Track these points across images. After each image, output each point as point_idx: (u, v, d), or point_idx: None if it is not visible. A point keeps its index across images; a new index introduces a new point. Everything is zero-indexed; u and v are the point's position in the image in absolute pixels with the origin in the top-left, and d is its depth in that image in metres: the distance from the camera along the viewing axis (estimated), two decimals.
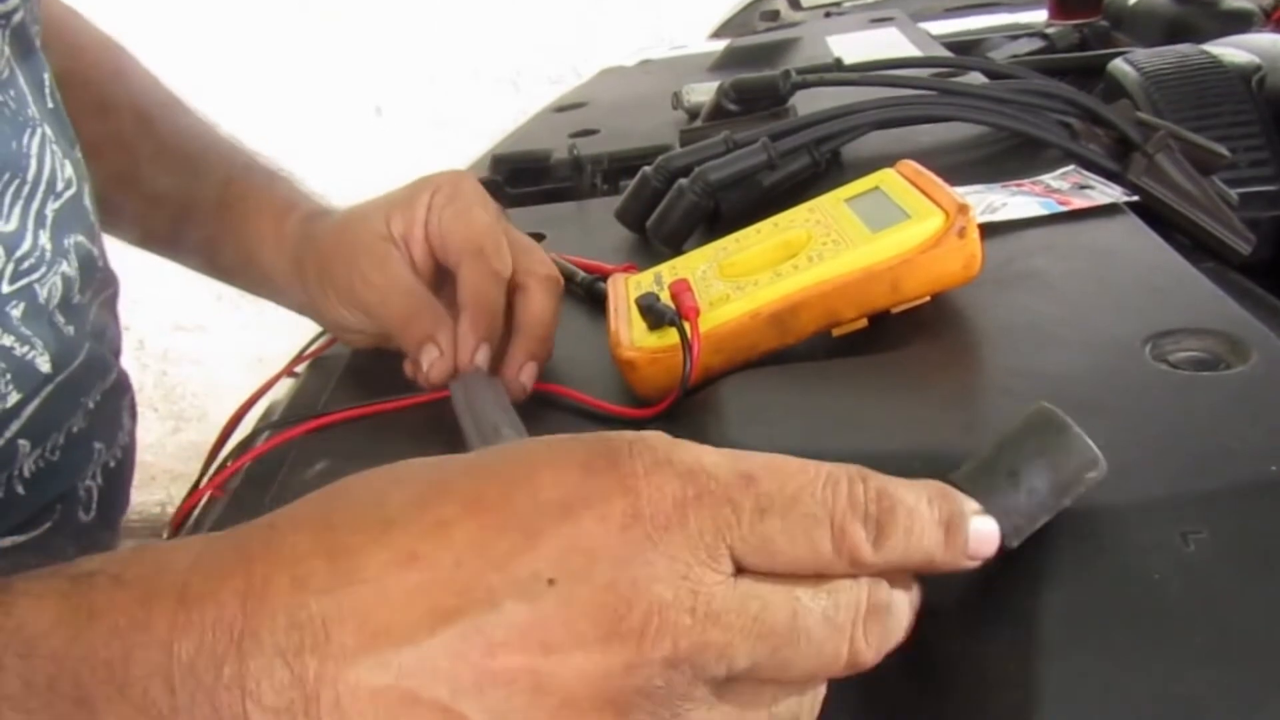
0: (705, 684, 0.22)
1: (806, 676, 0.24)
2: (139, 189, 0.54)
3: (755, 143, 0.54)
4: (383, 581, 0.22)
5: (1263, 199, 0.63)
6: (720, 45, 1.05)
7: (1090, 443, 0.26)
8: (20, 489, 0.42)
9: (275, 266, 0.51)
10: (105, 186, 0.50)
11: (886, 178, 0.43)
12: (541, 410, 0.42)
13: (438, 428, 0.42)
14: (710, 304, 0.40)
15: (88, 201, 0.46)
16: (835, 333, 0.40)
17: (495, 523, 0.23)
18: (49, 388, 0.43)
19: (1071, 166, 0.51)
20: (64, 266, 0.43)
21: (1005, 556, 0.27)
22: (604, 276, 0.49)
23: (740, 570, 0.23)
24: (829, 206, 0.43)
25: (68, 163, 0.45)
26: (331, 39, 2.00)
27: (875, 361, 0.38)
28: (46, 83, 0.45)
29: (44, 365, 0.42)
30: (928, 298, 0.40)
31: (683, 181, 0.54)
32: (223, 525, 0.39)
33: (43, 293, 0.42)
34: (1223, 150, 0.57)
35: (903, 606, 0.25)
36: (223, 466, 0.44)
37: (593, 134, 0.80)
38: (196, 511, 0.44)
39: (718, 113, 0.66)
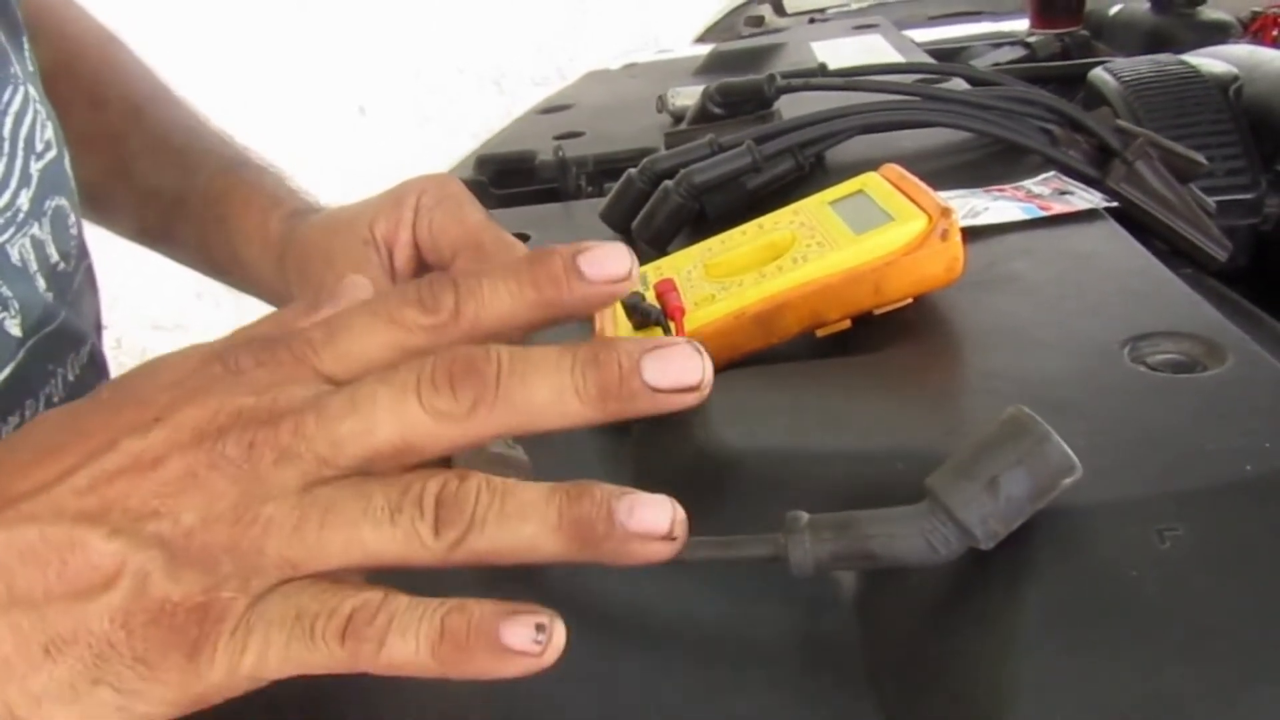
0: (294, 468, 0.24)
1: (396, 441, 0.25)
2: (131, 183, 0.54)
3: (740, 145, 0.54)
4: (21, 467, 0.25)
5: (1239, 207, 0.64)
6: (705, 50, 1.06)
7: (1069, 451, 0.27)
8: None
9: (259, 262, 0.51)
10: (98, 180, 0.50)
11: (870, 181, 0.44)
12: None
13: None
14: (695, 304, 0.40)
15: (68, 166, 0.46)
16: (819, 333, 0.41)
17: (119, 404, 0.26)
18: (21, 353, 0.42)
19: (1052, 172, 0.52)
20: (35, 229, 0.43)
21: (982, 555, 0.27)
22: None
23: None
24: (813, 209, 0.44)
25: (50, 124, 0.45)
26: (316, 38, 2.00)
27: (858, 362, 0.38)
28: (25, 45, 0.45)
29: (14, 329, 0.42)
30: (910, 300, 0.40)
31: (668, 183, 0.54)
32: None
33: (14, 254, 0.41)
34: (1201, 158, 0.57)
35: (515, 351, 0.25)
36: None
37: (578, 136, 0.80)
38: None
39: (703, 116, 0.66)
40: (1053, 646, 0.25)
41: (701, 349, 0.26)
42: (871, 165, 0.45)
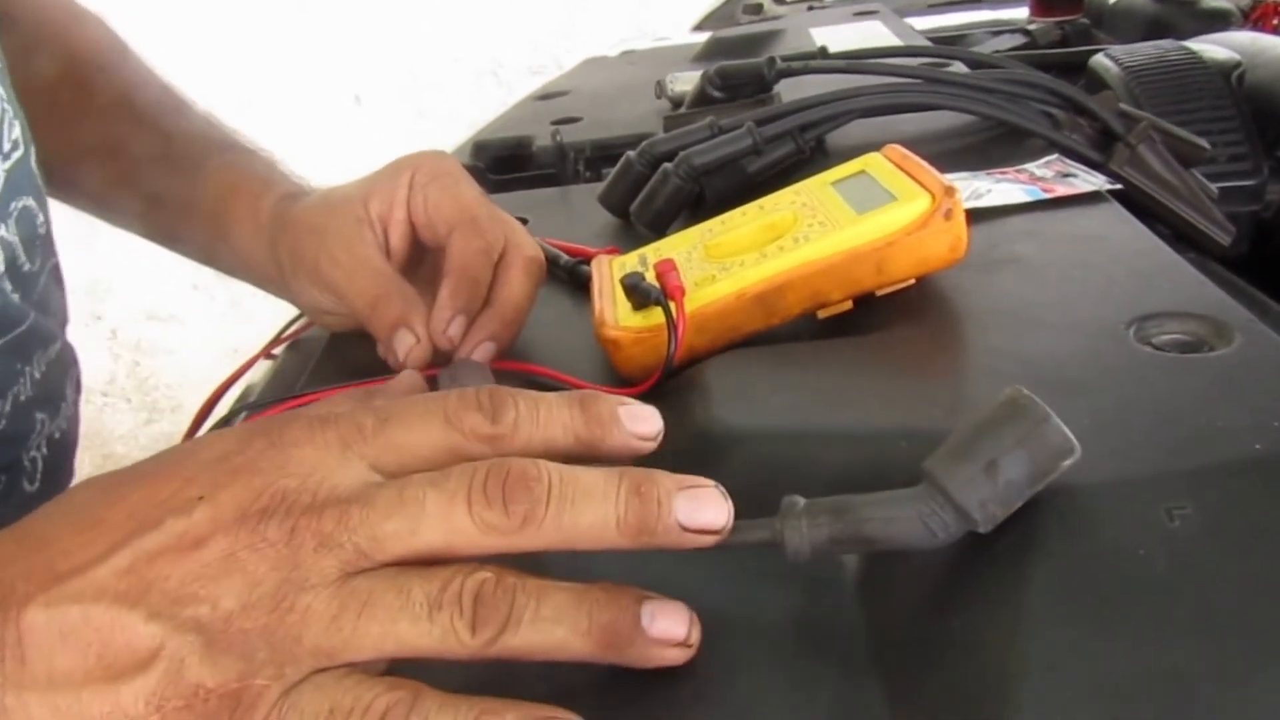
0: (334, 557, 0.25)
1: (437, 545, 0.25)
2: (137, 190, 0.53)
3: (740, 128, 0.54)
4: (64, 542, 0.25)
5: (1241, 194, 0.63)
6: (703, 38, 1.05)
7: (1068, 432, 0.26)
8: None
9: (251, 247, 0.50)
10: (104, 189, 0.50)
11: (873, 161, 0.43)
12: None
13: None
14: (695, 284, 0.40)
15: (34, 165, 0.45)
16: (820, 315, 0.40)
17: (163, 478, 0.26)
18: None
19: (1055, 155, 0.52)
20: (2, 230, 0.42)
21: (985, 535, 0.27)
22: (587, 260, 0.49)
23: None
24: (815, 189, 0.43)
25: (16, 123, 0.44)
26: (310, 27, 1.99)
27: (861, 342, 0.38)
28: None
29: None
30: (913, 280, 0.40)
31: (667, 166, 0.54)
32: None
33: None
34: (1203, 143, 0.57)
35: (565, 472, 0.26)
36: None
37: (575, 122, 0.80)
38: None
39: (702, 100, 0.66)
40: (1060, 625, 0.25)
41: (725, 494, 0.27)
42: (872, 149, 0.44)
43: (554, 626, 0.25)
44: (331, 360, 0.49)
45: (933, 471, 0.27)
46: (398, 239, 0.46)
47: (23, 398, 0.45)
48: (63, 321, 0.50)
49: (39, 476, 0.47)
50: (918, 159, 0.41)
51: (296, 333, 0.55)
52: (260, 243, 0.50)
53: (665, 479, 0.27)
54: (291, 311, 0.55)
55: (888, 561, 0.30)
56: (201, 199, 0.52)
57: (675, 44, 1.11)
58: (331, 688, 0.24)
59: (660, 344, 0.38)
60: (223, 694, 0.24)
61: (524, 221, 0.59)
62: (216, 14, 1.96)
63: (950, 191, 0.38)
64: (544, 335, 0.45)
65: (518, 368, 0.42)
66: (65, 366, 0.50)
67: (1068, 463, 0.26)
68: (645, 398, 0.39)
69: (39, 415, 0.46)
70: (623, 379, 0.40)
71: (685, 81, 0.78)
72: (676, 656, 0.27)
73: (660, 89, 0.80)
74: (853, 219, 0.39)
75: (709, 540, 0.27)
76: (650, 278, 0.40)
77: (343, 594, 0.24)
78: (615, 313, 0.40)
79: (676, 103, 0.77)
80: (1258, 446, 0.28)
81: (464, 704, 0.24)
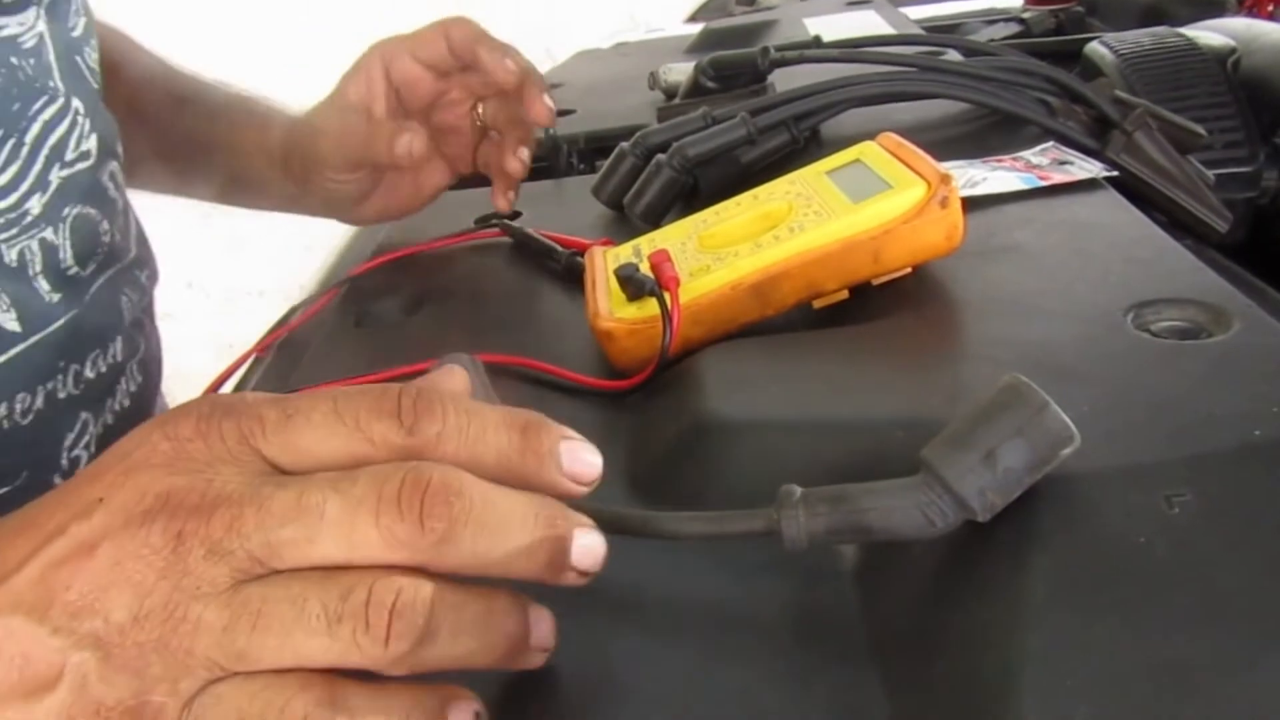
0: (225, 565, 0.23)
1: (337, 558, 0.23)
2: (173, 169, 0.62)
3: (734, 118, 0.53)
4: (2, 547, 0.24)
5: (1238, 180, 0.63)
6: (696, 29, 1.05)
7: (1067, 420, 0.26)
8: None
9: (267, 175, 0.59)
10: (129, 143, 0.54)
11: (868, 150, 0.43)
12: (519, 385, 0.41)
13: None
14: (690, 275, 0.39)
15: (107, 179, 0.48)
16: (816, 304, 0.40)
17: (83, 479, 0.25)
18: (18, 348, 0.43)
19: (1050, 143, 0.51)
20: (47, 232, 0.44)
21: (984, 525, 0.26)
22: (581, 251, 0.48)
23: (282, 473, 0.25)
24: (810, 178, 0.43)
25: (94, 136, 0.47)
26: (301, 18, 1.98)
27: (858, 332, 0.38)
28: (86, 58, 0.48)
29: (11, 324, 0.42)
30: (909, 269, 0.39)
31: (661, 157, 0.53)
32: None
33: (10, 254, 0.42)
34: (1200, 129, 0.57)
35: (488, 494, 0.24)
36: None
37: (569, 114, 0.79)
38: None
39: (696, 90, 0.65)
40: (1061, 614, 0.24)
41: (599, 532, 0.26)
42: (867, 139, 0.44)
43: (469, 640, 0.24)
44: (322, 358, 0.49)
45: (931, 460, 0.27)
46: (381, 110, 0.55)
47: (61, 395, 0.45)
48: (131, 322, 0.52)
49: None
50: (913, 147, 0.41)
51: (289, 328, 0.54)
52: (275, 170, 0.58)
53: (575, 519, 0.26)
54: (283, 309, 0.56)
55: (885, 552, 0.30)
56: (218, 143, 0.60)
57: (668, 36, 1.11)
58: (234, 695, 0.23)
59: (655, 335, 0.38)
60: (122, 711, 0.23)
61: (516, 215, 0.59)
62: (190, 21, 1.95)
63: (946, 179, 0.38)
64: (538, 328, 0.45)
65: (511, 361, 0.42)
66: (117, 373, 0.50)
67: (1067, 451, 0.26)
68: (639, 391, 0.39)
69: (84, 415, 0.47)
70: (617, 371, 0.40)
71: (679, 73, 0.77)
72: (540, 661, 0.27)
73: (654, 80, 0.79)
74: (848, 208, 0.39)
75: (577, 582, 0.26)
76: (645, 269, 0.39)
77: (235, 604, 0.23)
78: (609, 304, 0.40)
79: (670, 94, 0.77)
80: (1257, 432, 0.28)
81: (392, 696, 0.23)
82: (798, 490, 0.28)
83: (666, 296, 0.37)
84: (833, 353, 0.37)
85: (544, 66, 1.07)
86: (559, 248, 0.51)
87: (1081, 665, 0.23)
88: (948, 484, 0.26)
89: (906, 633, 0.27)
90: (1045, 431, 0.26)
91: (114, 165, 0.49)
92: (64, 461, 0.46)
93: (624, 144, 0.56)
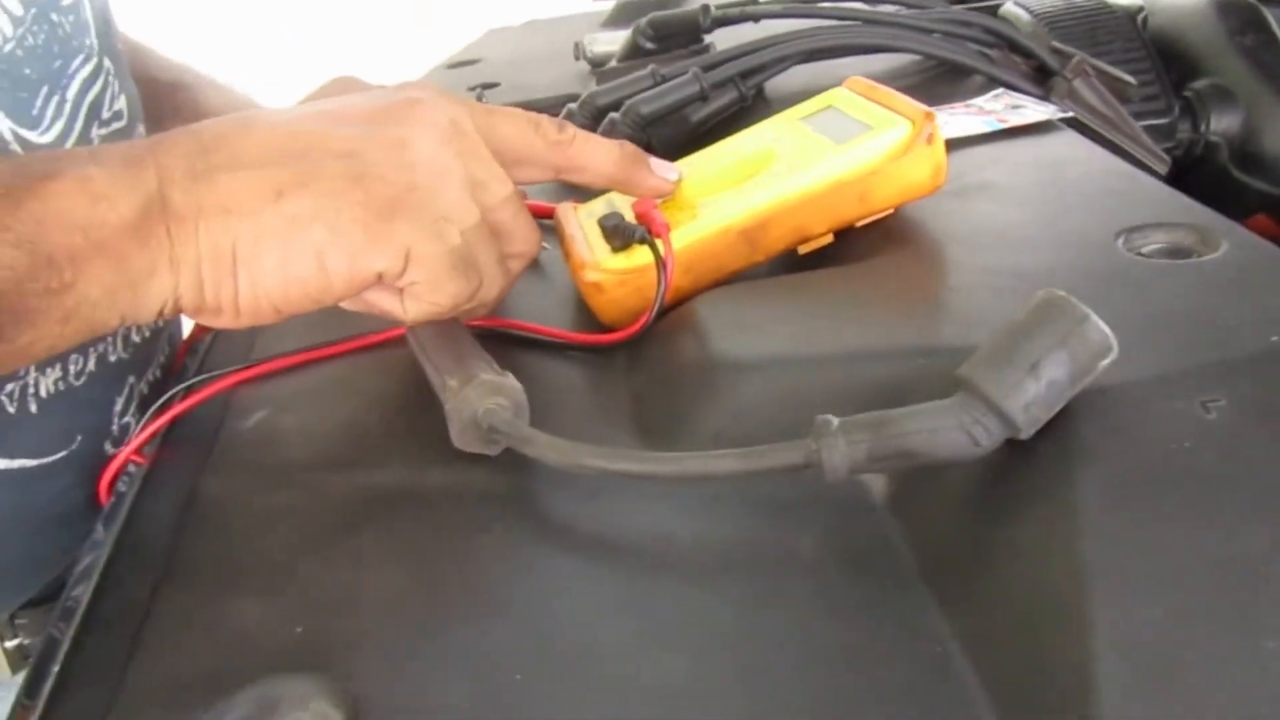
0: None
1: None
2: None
3: (686, 74, 0.53)
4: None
5: (1156, 132, 0.65)
6: (604, 6, 1.03)
7: (1107, 330, 0.26)
8: (34, 408, 0.41)
9: None
10: None
11: (838, 96, 0.43)
12: (507, 348, 0.40)
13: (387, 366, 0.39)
14: (677, 223, 0.38)
15: (137, 139, 0.47)
16: (801, 250, 0.39)
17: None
18: None
19: (1000, 89, 0.52)
20: None
21: (1020, 445, 0.26)
22: (547, 215, 0.47)
23: None
24: (784, 125, 0.42)
25: (123, 97, 0.47)
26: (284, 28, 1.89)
27: (852, 270, 0.37)
28: (114, 29, 0.48)
29: None
30: (892, 210, 0.39)
31: (614, 115, 0.52)
32: (156, 493, 0.35)
33: None
34: (1130, 78, 0.58)
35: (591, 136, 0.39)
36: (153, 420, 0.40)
37: (494, 87, 0.77)
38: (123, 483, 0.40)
39: (634, 52, 0.64)
40: (1117, 522, 0.24)
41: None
42: (812, 95, 0.44)
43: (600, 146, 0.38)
44: (285, 325, 0.46)
45: (972, 379, 0.26)
46: None
47: (112, 358, 0.45)
48: None
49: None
50: (885, 88, 0.41)
51: None
52: None
53: (645, 156, 0.40)
54: None
55: (917, 480, 0.29)
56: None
57: (579, 13, 1.09)
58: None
59: (644, 285, 0.37)
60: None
61: None
62: None
63: (929, 116, 0.38)
64: (513, 291, 0.43)
65: (496, 324, 0.40)
66: (161, 334, 0.51)
67: (1106, 362, 0.26)
68: (635, 342, 0.37)
69: (130, 379, 0.47)
70: (604, 325, 0.39)
71: (605, 42, 0.76)
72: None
73: (579, 50, 0.78)
74: (833, 150, 0.38)
75: (670, 186, 0.40)
76: (630, 219, 0.38)
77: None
78: (595, 256, 0.38)
79: (597, 64, 0.75)
80: (1274, 339, 0.28)
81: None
82: (834, 419, 0.27)
83: (659, 243, 0.36)
84: (832, 290, 0.36)
85: (458, 45, 1.04)
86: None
87: (1146, 567, 0.23)
88: (992, 401, 0.26)
89: (956, 555, 0.27)
90: (1087, 342, 0.26)
91: (141, 129, 0.49)
92: (114, 428, 0.46)
93: (571, 105, 0.55)
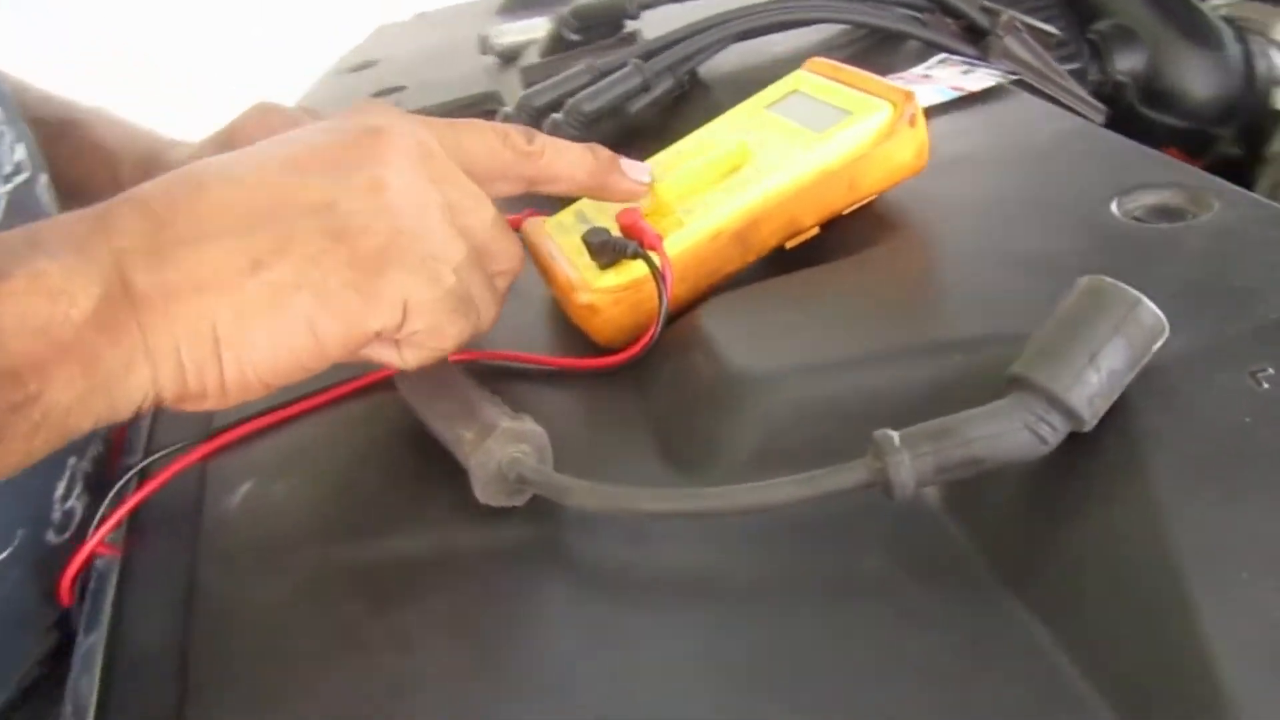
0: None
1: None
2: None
3: (625, 66, 0.51)
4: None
5: (1072, 77, 0.66)
6: None
7: (1158, 311, 0.26)
8: None
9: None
10: None
11: (803, 80, 0.41)
12: (507, 381, 0.37)
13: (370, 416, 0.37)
14: (663, 232, 0.37)
15: (41, 191, 0.45)
16: (789, 246, 0.38)
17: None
18: None
19: (943, 55, 0.52)
20: None
21: (1077, 437, 0.26)
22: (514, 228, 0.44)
23: None
24: (750, 116, 0.41)
25: (21, 145, 0.44)
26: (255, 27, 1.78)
27: (851, 264, 0.36)
28: None
29: None
30: (876, 194, 0.38)
31: (556, 116, 0.50)
32: (142, 590, 0.32)
33: None
34: (1053, 30, 0.59)
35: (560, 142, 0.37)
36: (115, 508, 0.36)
37: (400, 90, 0.74)
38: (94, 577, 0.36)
39: (557, 45, 0.62)
40: (1198, 505, 0.24)
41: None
42: (749, 76, 0.43)
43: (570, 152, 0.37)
44: None
45: (1029, 376, 0.26)
46: None
47: None
48: None
49: (72, 527, 0.41)
50: (853, 68, 0.40)
51: None
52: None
53: (617, 159, 0.38)
54: None
55: (974, 484, 0.28)
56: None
57: (465, 2, 1.05)
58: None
59: (640, 300, 0.35)
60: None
61: None
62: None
63: (909, 96, 0.37)
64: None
65: (496, 357, 0.38)
66: None
67: (1158, 343, 0.26)
68: (638, 362, 0.36)
69: (70, 460, 0.42)
70: (601, 348, 0.37)
71: (513, 33, 0.73)
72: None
73: (484, 44, 0.75)
74: (814, 139, 0.37)
75: (644, 189, 0.38)
76: (615, 233, 0.36)
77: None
78: (583, 276, 0.37)
79: (507, 57, 0.73)
80: None
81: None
82: (895, 434, 0.26)
83: (655, 256, 0.35)
84: (836, 289, 0.35)
85: (349, 46, 0.99)
86: None
87: (1242, 547, 0.23)
88: (1055, 396, 0.25)
89: (1036, 557, 0.26)
90: (1142, 327, 0.26)
91: (44, 178, 0.46)
92: (56, 515, 0.41)
93: (507, 109, 0.53)
